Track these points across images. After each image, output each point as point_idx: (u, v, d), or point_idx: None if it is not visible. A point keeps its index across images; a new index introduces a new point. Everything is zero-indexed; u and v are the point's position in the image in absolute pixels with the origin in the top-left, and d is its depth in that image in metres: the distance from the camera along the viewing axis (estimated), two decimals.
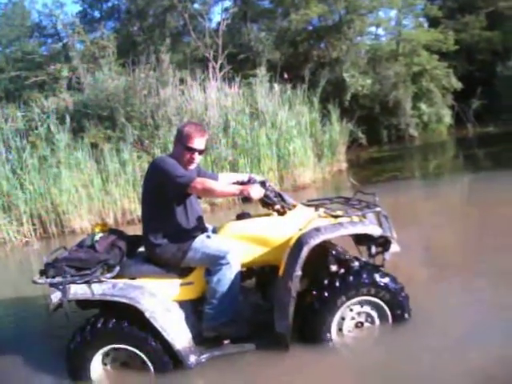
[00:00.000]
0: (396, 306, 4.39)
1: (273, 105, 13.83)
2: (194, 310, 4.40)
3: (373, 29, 26.59)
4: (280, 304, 4.18)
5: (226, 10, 24.83)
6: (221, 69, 17.72)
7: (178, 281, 4.38)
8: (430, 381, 3.84)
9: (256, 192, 4.16)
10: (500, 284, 5.42)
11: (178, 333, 4.16)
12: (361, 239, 4.71)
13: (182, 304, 4.36)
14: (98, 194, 11.52)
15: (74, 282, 4.08)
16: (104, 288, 4.13)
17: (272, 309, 4.27)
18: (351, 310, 4.41)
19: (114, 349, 4.23)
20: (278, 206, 4.52)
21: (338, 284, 4.24)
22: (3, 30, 29.02)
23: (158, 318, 4.07)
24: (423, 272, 6.04)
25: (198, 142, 4.41)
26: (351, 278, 4.26)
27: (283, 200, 4.62)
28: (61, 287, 4.04)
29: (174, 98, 13.19)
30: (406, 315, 4.43)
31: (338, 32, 23.22)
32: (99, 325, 4.09)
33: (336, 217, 4.47)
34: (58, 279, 4.06)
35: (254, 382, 4.17)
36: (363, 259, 4.78)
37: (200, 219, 4.64)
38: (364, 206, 4.71)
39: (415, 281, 5.40)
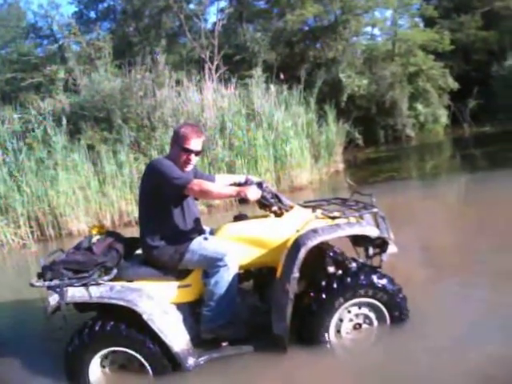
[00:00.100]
0: (394, 307, 4.39)
1: (269, 106, 13.82)
2: (191, 312, 4.39)
3: (368, 29, 26.71)
4: (278, 306, 4.18)
5: (221, 10, 24.79)
6: (217, 70, 17.74)
7: (176, 283, 4.37)
8: (428, 382, 3.84)
9: (253, 193, 4.16)
10: (498, 284, 5.43)
11: (176, 335, 4.15)
12: (358, 240, 4.72)
13: (180, 306, 4.36)
14: (95, 195, 11.51)
15: (71, 285, 4.07)
16: (102, 290, 4.12)
17: (270, 311, 4.27)
18: (349, 311, 4.41)
19: (112, 351, 4.22)
20: (275, 208, 4.51)
21: (335, 285, 4.24)
22: None
23: (155, 320, 4.06)
24: (421, 273, 6.04)
25: (195, 143, 4.40)
26: (349, 279, 4.25)
27: (280, 201, 4.61)
28: (58, 290, 4.04)
29: (171, 100, 13.19)
30: (404, 316, 4.42)
31: (334, 32, 23.26)
32: (97, 327, 4.08)
33: (333, 218, 4.46)
34: (55, 282, 4.06)
35: None
36: (361, 260, 4.79)
37: (197, 221, 4.64)
38: (361, 207, 4.71)
39: (413, 282, 5.40)
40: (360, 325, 4.48)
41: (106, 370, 4.32)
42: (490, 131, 22.74)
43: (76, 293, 4.09)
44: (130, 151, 12.23)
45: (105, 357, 4.27)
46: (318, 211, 4.70)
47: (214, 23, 23.69)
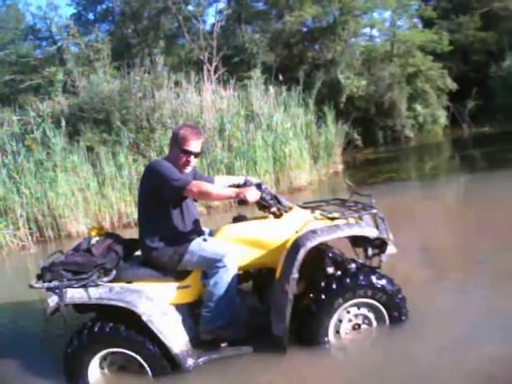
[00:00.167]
0: (393, 307, 4.39)
1: (268, 107, 13.82)
2: (191, 313, 4.40)
3: (367, 30, 26.61)
4: (277, 306, 4.19)
5: (220, 11, 24.74)
6: (215, 71, 17.72)
7: (175, 284, 4.38)
8: (428, 382, 3.85)
9: (252, 195, 4.16)
10: (498, 284, 5.44)
11: (175, 336, 4.16)
12: (357, 241, 4.72)
13: (179, 307, 4.36)
14: (94, 197, 11.51)
15: (70, 286, 4.08)
16: (101, 292, 4.13)
17: (269, 311, 4.28)
18: (348, 312, 4.42)
19: (112, 353, 4.23)
20: (274, 209, 4.51)
21: (334, 286, 4.24)
22: None
23: (155, 321, 4.06)
24: (420, 273, 6.03)
25: (194, 145, 4.41)
26: (348, 280, 4.26)
27: (279, 202, 4.62)
28: (58, 291, 4.04)
29: (169, 101, 13.19)
30: (403, 317, 4.43)
31: (333, 33, 23.21)
32: (96, 329, 4.08)
33: (332, 219, 4.47)
34: (54, 283, 4.06)
35: None
36: (360, 261, 4.79)
37: (196, 222, 4.64)
38: (360, 207, 4.73)
39: (412, 282, 5.41)
40: (359, 325, 4.49)
41: (106, 371, 4.33)
42: (489, 132, 22.74)
43: (75, 294, 4.09)
44: (129, 153, 12.24)
45: (104, 358, 4.28)
46: (317, 212, 4.70)
47: (213, 24, 23.64)
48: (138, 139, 12.63)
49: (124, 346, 4.14)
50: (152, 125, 12.76)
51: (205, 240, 4.42)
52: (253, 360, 4.26)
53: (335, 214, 4.57)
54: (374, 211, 4.56)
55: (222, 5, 25.72)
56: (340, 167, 16.55)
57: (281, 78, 15.42)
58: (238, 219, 4.73)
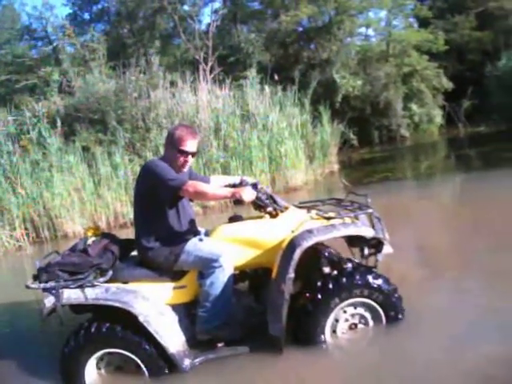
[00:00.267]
0: (389, 307, 4.40)
1: (264, 107, 13.83)
2: (187, 313, 4.39)
3: (363, 30, 26.72)
4: (273, 306, 4.19)
5: (215, 11, 24.78)
6: (211, 71, 17.74)
7: (171, 284, 4.37)
8: (424, 381, 3.85)
9: (248, 194, 4.16)
10: (493, 284, 5.45)
11: (171, 336, 4.16)
12: (353, 241, 4.73)
13: (176, 307, 4.36)
14: (90, 197, 11.50)
15: (67, 287, 4.07)
16: (97, 292, 4.12)
17: (265, 311, 4.28)
18: (345, 311, 4.42)
19: (108, 353, 4.22)
20: (270, 209, 4.52)
21: (331, 286, 4.24)
22: None
23: (151, 321, 4.06)
24: (416, 273, 6.04)
25: (191, 145, 4.41)
26: (344, 279, 4.26)
27: (275, 202, 4.62)
28: (54, 292, 4.03)
29: (165, 101, 13.19)
30: (400, 316, 4.43)
31: (328, 33, 23.24)
32: (93, 329, 4.08)
33: (328, 218, 4.48)
34: (51, 284, 4.05)
35: None
36: (356, 261, 4.80)
37: (192, 222, 4.64)
38: (356, 207, 4.72)
39: (408, 282, 5.41)
40: (356, 325, 4.49)
41: (102, 371, 4.32)
42: (485, 131, 22.81)
43: (72, 295, 4.09)
44: (124, 153, 12.23)
45: (101, 358, 4.27)
46: (313, 212, 4.71)
47: (208, 24, 23.71)
48: (133, 139, 12.63)
49: (120, 346, 4.13)
50: (148, 125, 12.75)
51: (201, 240, 4.42)
52: (249, 360, 4.25)
53: (331, 214, 4.58)
54: (370, 211, 4.56)
55: (217, 4, 25.76)
56: (336, 167, 16.56)
57: (276, 77, 15.46)
58: (233, 219, 4.72)
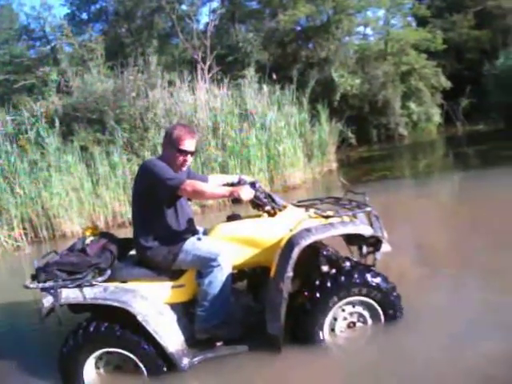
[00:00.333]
0: (388, 305, 4.40)
1: (262, 106, 13.83)
2: (185, 312, 4.39)
3: (361, 28, 26.76)
4: (272, 305, 4.18)
5: (213, 11, 24.82)
6: (209, 70, 17.73)
7: (170, 283, 4.37)
8: (423, 380, 3.84)
9: (246, 193, 4.16)
10: (492, 282, 5.45)
11: (170, 335, 4.16)
12: (352, 239, 4.74)
13: (174, 306, 4.35)
14: (89, 197, 11.49)
15: (65, 286, 4.06)
16: (96, 292, 4.12)
17: (264, 310, 4.28)
18: (343, 310, 4.42)
19: (107, 352, 4.22)
20: (268, 207, 4.51)
21: (329, 284, 4.24)
22: None
23: (150, 321, 4.06)
24: (415, 271, 6.05)
25: (189, 144, 4.41)
26: (343, 278, 4.26)
27: (273, 201, 4.61)
28: (52, 291, 4.03)
29: (163, 100, 13.18)
30: (398, 314, 4.43)
31: (327, 32, 23.26)
32: (91, 329, 4.07)
33: (327, 217, 4.47)
34: (49, 284, 4.05)
35: None
36: (354, 259, 4.80)
37: (190, 221, 4.64)
38: (354, 205, 4.72)
39: (407, 280, 5.42)
40: (354, 323, 4.49)
41: (101, 370, 4.32)
42: (483, 129, 22.84)
43: (70, 294, 4.08)
44: (123, 152, 12.22)
45: (99, 358, 4.26)
46: (312, 210, 4.72)
47: (207, 24, 23.71)
48: (131, 139, 12.62)
49: (119, 345, 4.13)
50: (146, 124, 12.75)
51: (199, 239, 4.41)
52: (248, 359, 4.25)
53: (329, 213, 4.57)
54: (369, 209, 4.55)
55: (215, 4, 25.86)
56: (334, 165, 16.56)
57: (274, 76, 15.44)
58: (232, 218, 4.72)
